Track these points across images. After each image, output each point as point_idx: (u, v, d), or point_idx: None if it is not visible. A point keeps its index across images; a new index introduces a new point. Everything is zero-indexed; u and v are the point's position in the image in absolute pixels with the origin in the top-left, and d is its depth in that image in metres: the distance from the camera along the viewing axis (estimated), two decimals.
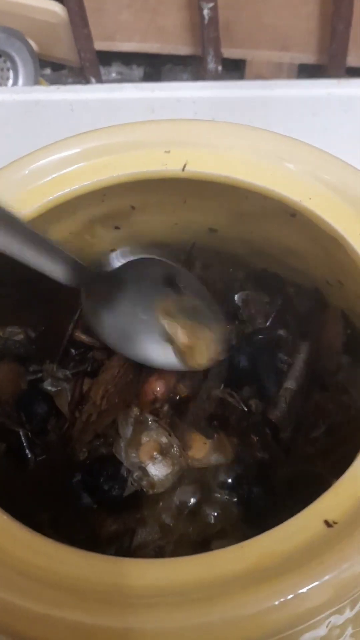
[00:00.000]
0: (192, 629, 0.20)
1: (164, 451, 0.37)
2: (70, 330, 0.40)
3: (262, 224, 0.39)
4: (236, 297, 0.42)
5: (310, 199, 0.33)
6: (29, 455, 0.36)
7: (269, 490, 0.34)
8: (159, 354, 0.38)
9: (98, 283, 0.35)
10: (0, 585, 0.22)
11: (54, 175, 0.35)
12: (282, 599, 0.20)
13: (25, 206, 0.35)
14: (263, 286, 0.44)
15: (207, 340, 0.38)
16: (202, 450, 0.37)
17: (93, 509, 0.36)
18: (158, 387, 0.39)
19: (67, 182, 0.35)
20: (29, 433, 0.37)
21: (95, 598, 0.21)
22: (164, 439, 0.37)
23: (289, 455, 0.37)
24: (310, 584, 0.21)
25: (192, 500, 0.36)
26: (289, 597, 0.20)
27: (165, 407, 0.38)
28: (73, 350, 0.41)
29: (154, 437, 0.37)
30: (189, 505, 0.36)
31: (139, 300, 0.37)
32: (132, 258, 0.37)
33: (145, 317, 0.38)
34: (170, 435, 0.37)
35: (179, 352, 0.38)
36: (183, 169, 0.35)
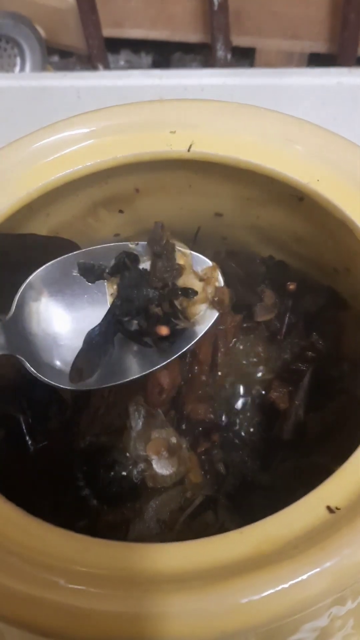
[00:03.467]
0: (189, 614, 0.19)
1: (171, 450, 0.36)
2: None
3: (269, 209, 0.38)
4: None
5: (318, 181, 0.32)
6: (29, 442, 0.36)
7: (270, 487, 0.34)
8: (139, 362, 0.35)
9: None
10: (11, 576, 0.22)
11: (55, 156, 0.35)
12: (281, 586, 0.20)
13: (25, 187, 0.34)
14: (270, 277, 0.43)
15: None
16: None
17: (92, 497, 0.35)
18: (163, 379, 0.39)
19: (69, 163, 0.35)
20: (30, 419, 0.37)
21: (91, 582, 0.20)
22: (173, 439, 0.36)
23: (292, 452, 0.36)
24: (311, 570, 0.20)
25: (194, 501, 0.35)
26: (289, 584, 0.20)
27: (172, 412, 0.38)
28: None
29: (164, 435, 0.36)
30: (190, 504, 0.35)
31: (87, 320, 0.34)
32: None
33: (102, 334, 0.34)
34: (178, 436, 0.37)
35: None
36: (189, 150, 0.34)
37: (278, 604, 0.19)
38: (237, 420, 0.39)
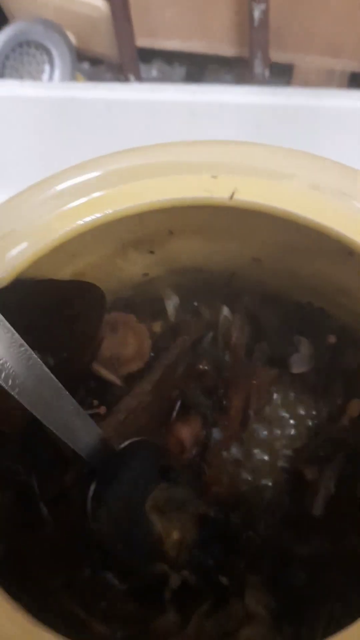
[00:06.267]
0: None
1: None
2: (89, 364, 0.36)
3: (314, 260, 0.35)
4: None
5: None
6: (42, 506, 0.33)
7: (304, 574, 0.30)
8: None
9: (107, 465, 0.33)
10: None
11: (86, 198, 0.32)
12: None
13: (54, 230, 0.31)
14: (308, 326, 0.40)
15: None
16: None
17: (114, 581, 0.32)
18: (184, 434, 0.36)
19: (101, 206, 0.32)
20: (37, 481, 0.34)
21: None
22: None
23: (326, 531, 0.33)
24: None
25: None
26: None
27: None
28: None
29: None
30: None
31: (133, 489, 0.35)
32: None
33: (136, 512, 0.35)
34: None
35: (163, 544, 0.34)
36: (231, 198, 0.31)
37: None
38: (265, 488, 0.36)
